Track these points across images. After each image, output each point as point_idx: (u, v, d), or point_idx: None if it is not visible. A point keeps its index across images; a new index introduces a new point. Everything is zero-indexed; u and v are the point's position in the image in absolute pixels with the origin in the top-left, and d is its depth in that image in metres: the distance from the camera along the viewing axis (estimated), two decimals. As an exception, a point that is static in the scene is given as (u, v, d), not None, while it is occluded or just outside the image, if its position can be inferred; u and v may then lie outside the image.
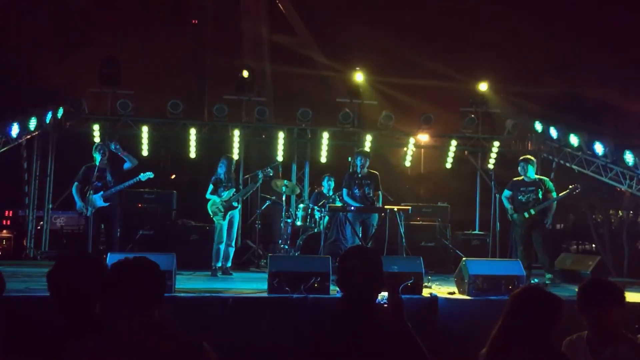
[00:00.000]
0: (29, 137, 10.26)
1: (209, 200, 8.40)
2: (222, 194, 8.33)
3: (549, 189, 8.19)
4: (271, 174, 8.92)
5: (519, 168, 8.39)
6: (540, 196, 8.13)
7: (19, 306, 4.63)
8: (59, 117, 10.63)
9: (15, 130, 9.42)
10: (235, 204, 8.38)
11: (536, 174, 8.34)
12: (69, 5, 13.55)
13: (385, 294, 2.58)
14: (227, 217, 8.31)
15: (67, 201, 10.67)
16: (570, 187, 8.19)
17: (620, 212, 13.31)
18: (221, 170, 8.46)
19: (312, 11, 16.11)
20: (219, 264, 8.28)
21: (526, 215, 8.08)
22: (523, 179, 8.30)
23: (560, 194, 8.14)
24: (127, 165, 8.05)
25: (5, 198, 11.93)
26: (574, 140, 10.26)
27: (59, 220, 10.93)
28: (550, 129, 10.80)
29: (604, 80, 14.07)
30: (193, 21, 17.16)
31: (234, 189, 8.39)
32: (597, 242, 12.66)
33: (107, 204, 7.80)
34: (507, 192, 8.48)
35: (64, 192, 10.83)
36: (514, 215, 8.28)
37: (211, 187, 8.43)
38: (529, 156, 8.67)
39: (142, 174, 8.00)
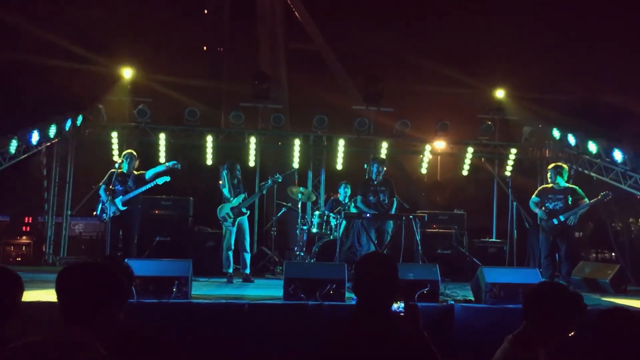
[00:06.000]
0: (48, 144, 10.41)
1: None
2: (232, 199, 8.36)
3: (581, 196, 8.05)
4: (279, 181, 8.86)
5: (548, 175, 8.29)
6: (570, 204, 8.01)
7: (37, 312, 4.67)
8: (78, 125, 10.78)
9: (35, 137, 9.59)
10: (244, 210, 8.41)
11: (567, 182, 8.22)
12: (88, 13, 13.74)
13: (401, 303, 2.57)
14: (236, 223, 8.34)
15: (86, 208, 10.80)
16: (601, 193, 8.06)
17: (640, 220, 13.10)
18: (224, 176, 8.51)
19: (328, 18, 16.15)
20: (230, 270, 8.31)
21: (555, 222, 7.97)
22: (552, 187, 8.19)
23: (591, 201, 8.02)
24: (149, 174, 8.16)
25: (25, 204, 12.09)
26: (592, 147, 10.13)
27: (77, 227, 11.05)
28: (568, 135, 10.68)
29: (623, 86, 13.90)
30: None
31: (244, 195, 8.42)
32: (617, 251, 12.47)
33: (125, 208, 7.91)
34: (535, 199, 8.38)
35: (83, 199, 10.96)
36: (542, 222, 8.16)
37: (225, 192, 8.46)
38: (560, 163, 8.57)
39: (158, 177, 8.11)
